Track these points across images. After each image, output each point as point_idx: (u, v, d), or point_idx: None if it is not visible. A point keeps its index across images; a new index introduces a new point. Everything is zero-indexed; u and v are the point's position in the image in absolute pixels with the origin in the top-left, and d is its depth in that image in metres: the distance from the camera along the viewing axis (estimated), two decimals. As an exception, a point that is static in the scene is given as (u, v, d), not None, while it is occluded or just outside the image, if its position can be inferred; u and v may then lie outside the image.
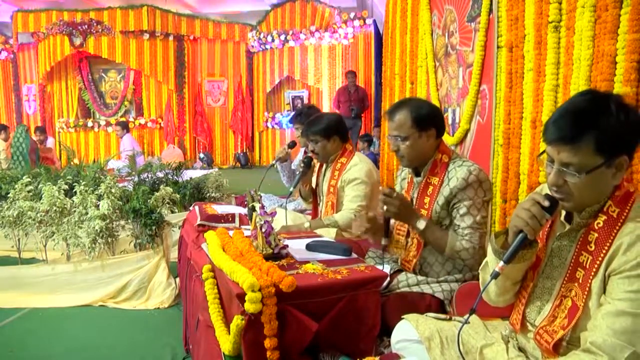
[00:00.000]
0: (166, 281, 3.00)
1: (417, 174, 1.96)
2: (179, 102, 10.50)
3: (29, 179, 3.36)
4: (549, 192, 1.16)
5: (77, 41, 10.02)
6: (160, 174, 4.45)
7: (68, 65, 10.59)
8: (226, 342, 1.43)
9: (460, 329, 1.22)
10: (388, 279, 1.81)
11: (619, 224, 1.07)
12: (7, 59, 11.00)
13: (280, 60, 10.12)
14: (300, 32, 9.79)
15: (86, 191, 3.09)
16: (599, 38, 1.79)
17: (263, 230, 1.71)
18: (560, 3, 2.06)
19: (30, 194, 3.27)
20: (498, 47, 2.68)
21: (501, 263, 1.15)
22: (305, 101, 10.06)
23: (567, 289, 1.15)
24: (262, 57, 10.39)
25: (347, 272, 1.59)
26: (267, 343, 1.39)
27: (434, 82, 3.82)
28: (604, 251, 1.07)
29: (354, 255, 1.82)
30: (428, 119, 1.86)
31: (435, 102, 3.69)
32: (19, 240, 3.24)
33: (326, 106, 9.43)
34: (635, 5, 1.65)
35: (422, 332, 1.39)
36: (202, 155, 10.36)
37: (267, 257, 1.67)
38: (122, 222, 3.13)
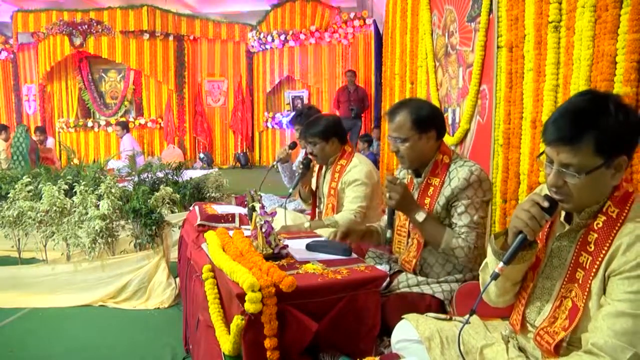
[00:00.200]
0: (166, 281, 3.00)
1: (418, 175, 1.96)
2: (179, 102, 10.50)
3: (29, 179, 3.36)
4: (548, 193, 1.16)
5: (77, 41, 10.02)
6: (160, 174, 4.45)
7: (68, 65, 10.58)
8: (226, 342, 1.43)
9: (461, 329, 1.22)
10: (388, 279, 1.81)
11: (618, 224, 1.07)
12: (7, 59, 11.00)
13: (280, 60, 10.12)
14: (300, 32, 9.79)
15: (86, 191, 3.09)
16: (599, 38, 1.79)
17: (263, 230, 1.71)
18: (560, 3, 2.06)
19: (30, 194, 3.27)
20: (498, 47, 2.68)
21: (501, 264, 1.15)
22: (305, 101, 10.05)
23: (567, 290, 1.14)
24: (262, 57, 10.39)
25: (347, 272, 1.59)
26: (267, 343, 1.39)
27: (434, 82, 3.82)
28: (603, 252, 1.07)
29: (354, 256, 1.82)
30: (428, 120, 1.86)
31: (435, 102, 3.69)
32: (19, 240, 3.24)
33: (326, 106, 9.43)
34: (635, 5, 1.65)
35: (422, 332, 1.39)
36: (202, 155, 10.36)
37: (267, 257, 1.67)
38: (122, 222, 3.13)
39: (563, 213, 1.22)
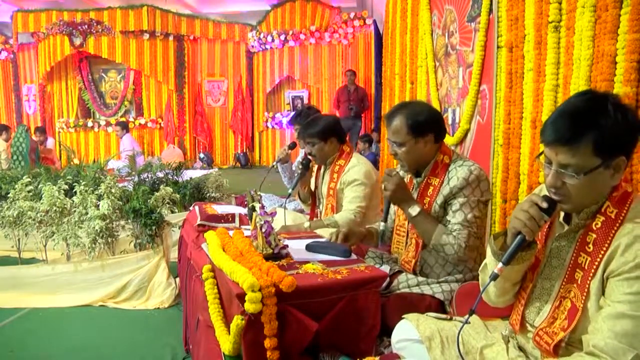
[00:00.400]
0: (166, 281, 3.00)
1: (418, 175, 1.96)
2: (179, 102, 10.49)
3: (29, 179, 3.36)
4: (547, 193, 1.16)
5: (77, 41, 10.01)
6: (160, 174, 4.45)
7: (68, 65, 10.58)
8: (226, 342, 1.44)
9: (461, 329, 1.22)
10: (388, 279, 1.81)
11: (617, 224, 1.07)
12: (7, 59, 11.00)
13: (280, 60, 10.12)
14: (300, 32, 9.79)
15: (86, 191, 3.09)
16: (599, 38, 1.79)
17: (263, 230, 1.71)
18: (560, 3, 2.06)
19: (30, 194, 3.27)
20: (498, 47, 2.68)
21: (500, 265, 1.15)
22: (305, 101, 10.05)
23: (566, 290, 1.15)
24: (262, 57, 10.39)
25: (347, 272, 1.59)
26: (267, 343, 1.39)
27: (434, 82, 3.81)
28: (602, 252, 1.07)
29: (354, 256, 1.83)
30: (425, 125, 1.85)
31: (435, 102, 3.69)
32: (19, 240, 3.25)
33: (326, 106, 9.43)
34: (635, 5, 1.65)
35: (422, 331, 1.39)
36: (202, 155, 10.35)
37: (267, 257, 1.67)
38: (122, 222, 3.14)
39: (562, 213, 1.22)
